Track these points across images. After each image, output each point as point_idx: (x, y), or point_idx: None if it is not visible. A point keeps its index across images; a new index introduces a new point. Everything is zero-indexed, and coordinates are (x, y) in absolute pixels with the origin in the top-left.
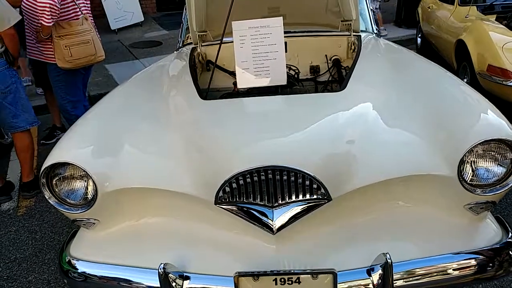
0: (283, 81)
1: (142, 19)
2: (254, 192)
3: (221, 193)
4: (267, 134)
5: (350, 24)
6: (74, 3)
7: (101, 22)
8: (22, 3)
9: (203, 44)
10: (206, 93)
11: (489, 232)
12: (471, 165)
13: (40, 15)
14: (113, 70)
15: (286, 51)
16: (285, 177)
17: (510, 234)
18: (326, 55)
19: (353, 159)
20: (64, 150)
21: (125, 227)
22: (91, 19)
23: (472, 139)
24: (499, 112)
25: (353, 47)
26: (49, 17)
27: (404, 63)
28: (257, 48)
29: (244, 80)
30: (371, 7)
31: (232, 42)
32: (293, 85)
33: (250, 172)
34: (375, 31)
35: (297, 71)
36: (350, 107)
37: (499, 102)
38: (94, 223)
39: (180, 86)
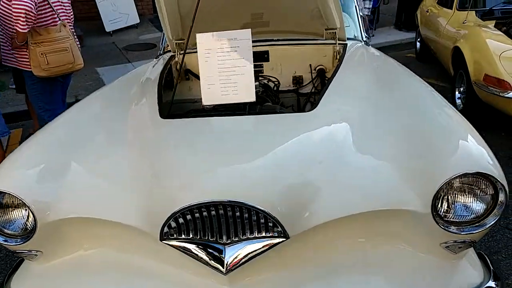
0: (252, 98)
1: (138, 21)
2: (204, 227)
3: (166, 229)
4: (222, 163)
5: (335, 32)
6: (51, 9)
7: (95, 24)
8: None
9: (181, 52)
10: (168, 110)
11: (468, 274)
12: (447, 201)
13: (15, 20)
14: (104, 73)
15: (268, 60)
16: (238, 213)
17: (491, 275)
18: (310, 65)
19: (316, 192)
20: (2, 177)
21: (70, 258)
22: (70, 26)
23: (450, 171)
24: (483, 141)
25: (338, 57)
26: (24, 23)
27: (387, 77)
28: (224, 62)
29: (210, 97)
30: (361, 13)
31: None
32: (265, 101)
33: (199, 206)
34: (364, 39)
35: (276, 82)
36: (319, 131)
37: (496, 114)
38: (36, 255)
39: (144, 101)
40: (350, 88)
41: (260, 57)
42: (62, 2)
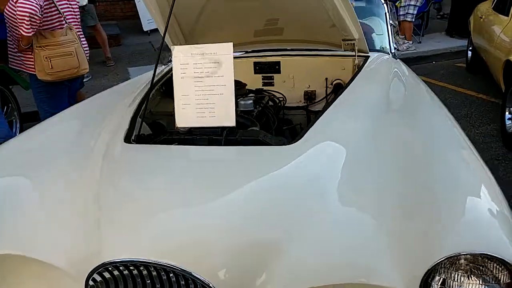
0: (231, 123)
1: None
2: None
3: (91, 282)
4: (168, 210)
5: (354, 43)
6: (58, 11)
7: (135, 23)
8: (5, 10)
9: None
10: (138, 131)
11: None
12: (445, 284)
13: (20, 23)
14: (135, 73)
15: (279, 72)
16: (173, 278)
17: None
18: (326, 79)
19: (274, 257)
20: None
21: None
22: (77, 29)
23: (448, 247)
24: (506, 208)
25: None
26: (29, 26)
27: (403, 104)
28: (201, 80)
29: (184, 118)
30: (391, 21)
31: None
32: (246, 126)
33: (124, 263)
34: (393, 51)
35: (281, 98)
36: (295, 172)
37: None
38: None
39: (117, 117)
40: (351, 114)
41: (270, 68)
42: (70, 5)
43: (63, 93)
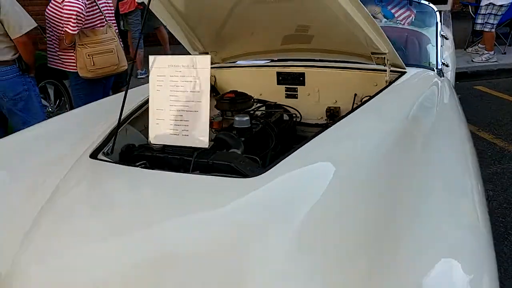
0: (203, 144)
1: None
2: None
3: None
4: (83, 243)
5: (384, 58)
6: (99, 10)
7: None
8: (46, 10)
9: (212, 66)
10: (113, 145)
11: None
12: None
13: (66, 22)
14: None
15: (303, 84)
16: None
17: None
18: (355, 95)
19: None
20: None
21: None
22: (115, 28)
23: None
24: None
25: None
26: (75, 24)
27: (421, 136)
28: (176, 94)
29: (158, 134)
30: (443, 33)
31: (242, 66)
32: (228, 146)
33: None
34: (440, 67)
35: (296, 115)
36: (248, 216)
37: None
38: None
39: (97, 127)
40: (345, 145)
41: (294, 80)
42: (108, 4)
43: (99, 91)
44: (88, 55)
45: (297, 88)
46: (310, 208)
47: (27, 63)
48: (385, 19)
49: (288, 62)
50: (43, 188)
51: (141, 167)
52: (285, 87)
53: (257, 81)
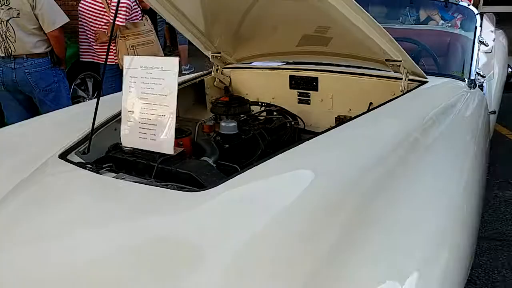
0: (168, 150)
1: None
2: None
3: None
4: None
5: (399, 65)
6: (137, 4)
7: None
8: (80, 5)
9: (225, 66)
10: (89, 143)
11: None
12: None
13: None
14: None
15: (316, 90)
16: None
17: None
18: (370, 103)
19: None
20: None
21: None
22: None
23: None
24: None
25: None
26: (124, 17)
27: (409, 155)
28: (146, 97)
29: (128, 137)
30: (481, 39)
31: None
32: (203, 153)
33: None
34: (472, 77)
35: (297, 122)
36: (191, 236)
37: None
38: None
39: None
40: (325, 156)
41: (307, 84)
42: None
43: None
44: (131, 47)
45: (310, 93)
46: (252, 232)
47: (58, 57)
48: (442, 21)
49: (302, 65)
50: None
51: (107, 170)
52: (298, 92)
53: (270, 84)
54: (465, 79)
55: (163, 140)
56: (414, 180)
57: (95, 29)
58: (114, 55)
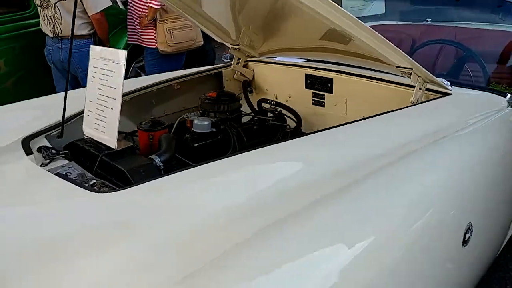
0: (112, 144)
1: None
2: None
3: None
4: None
5: (410, 72)
6: None
7: None
8: None
9: (249, 59)
10: (61, 128)
11: None
12: None
13: None
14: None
15: (331, 92)
16: None
17: None
18: None
19: None
20: None
21: None
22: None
23: None
24: None
25: None
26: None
27: (377, 175)
28: (102, 88)
29: (87, 126)
30: None
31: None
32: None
33: None
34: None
35: (289, 126)
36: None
37: None
38: None
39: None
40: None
41: (322, 85)
42: None
43: (172, 67)
44: (169, 30)
45: (324, 95)
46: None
47: (101, 39)
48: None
49: (318, 63)
50: None
51: (62, 157)
52: (313, 92)
53: (288, 81)
54: (508, 94)
55: (109, 133)
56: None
57: (140, 12)
58: (154, 38)
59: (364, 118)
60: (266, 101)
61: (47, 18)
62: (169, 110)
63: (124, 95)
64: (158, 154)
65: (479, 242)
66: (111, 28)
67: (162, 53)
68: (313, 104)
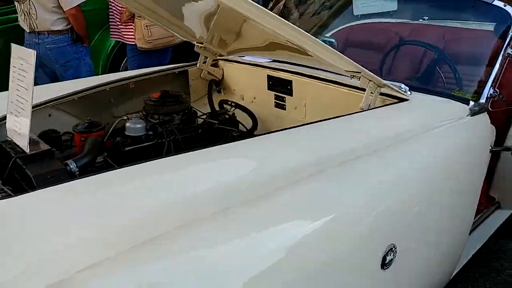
0: (24, 147)
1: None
2: None
3: None
4: None
5: (359, 76)
6: None
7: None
8: None
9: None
10: None
11: None
12: None
13: None
14: None
15: (291, 94)
16: None
17: None
18: None
19: None
20: None
21: None
22: None
23: None
24: None
25: None
26: None
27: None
28: (19, 89)
29: (8, 127)
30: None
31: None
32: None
33: None
34: (483, 100)
35: (233, 130)
36: None
37: None
38: None
39: None
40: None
41: (283, 87)
42: None
43: (153, 64)
44: (146, 26)
45: (285, 97)
46: None
47: (78, 34)
48: None
49: (279, 64)
50: None
51: None
52: (275, 94)
53: (254, 82)
54: (469, 101)
55: (20, 134)
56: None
57: (120, 8)
58: (134, 35)
59: (303, 125)
60: (227, 102)
61: (23, 13)
62: (131, 110)
63: (74, 93)
64: (76, 159)
65: (406, 266)
66: (98, 26)
67: (141, 50)
68: (275, 106)
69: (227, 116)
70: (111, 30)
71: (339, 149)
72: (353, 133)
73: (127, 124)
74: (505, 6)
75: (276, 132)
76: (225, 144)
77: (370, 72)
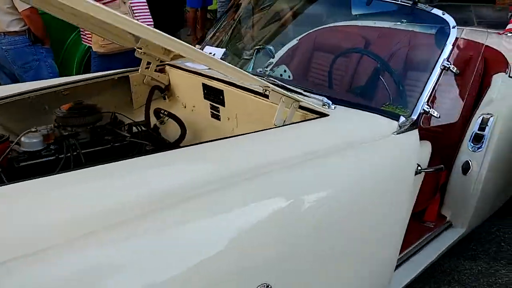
0: None
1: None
2: None
3: None
4: None
5: (268, 90)
6: None
7: None
8: None
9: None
10: None
11: None
12: None
13: None
14: None
15: (224, 105)
16: None
17: None
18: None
19: None
20: None
21: None
22: (130, 3)
23: None
24: None
25: None
26: None
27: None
28: None
29: None
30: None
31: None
32: None
33: None
34: (415, 116)
35: (147, 144)
36: None
37: None
38: None
39: None
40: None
41: (216, 97)
42: None
43: (115, 67)
44: None
45: (219, 108)
46: None
47: (37, 36)
48: None
49: (213, 72)
50: None
51: None
52: (210, 104)
53: (192, 90)
54: (402, 117)
55: None
56: None
57: None
58: (89, 38)
59: (209, 141)
60: (160, 110)
61: None
62: None
63: (5, 97)
64: None
65: None
66: (72, 29)
67: (99, 54)
68: (212, 116)
69: (144, 128)
70: (81, 34)
71: (228, 170)
72: (252, 153)
73: (22, 139)
74: (443, 14)
75: (184, 148)
76: (125, 160)
77: (279, 88)
